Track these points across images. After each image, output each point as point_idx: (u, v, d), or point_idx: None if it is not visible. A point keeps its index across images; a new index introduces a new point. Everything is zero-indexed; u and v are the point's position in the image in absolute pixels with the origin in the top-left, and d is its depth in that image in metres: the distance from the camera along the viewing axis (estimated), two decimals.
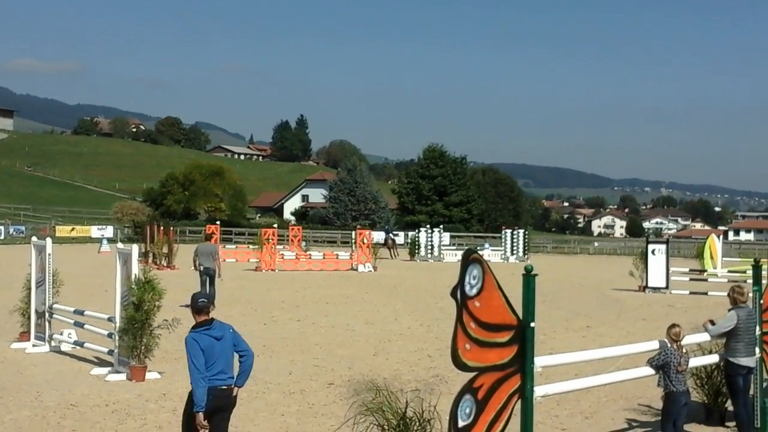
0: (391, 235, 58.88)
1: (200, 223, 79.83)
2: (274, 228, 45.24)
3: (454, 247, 58.77)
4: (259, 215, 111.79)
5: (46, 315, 16.66)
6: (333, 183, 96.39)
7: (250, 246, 50.06)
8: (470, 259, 7.23)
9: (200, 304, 8.38)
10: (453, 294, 7.14)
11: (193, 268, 26.25)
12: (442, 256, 52.94)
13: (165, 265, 40.47)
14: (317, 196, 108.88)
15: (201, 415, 8.02)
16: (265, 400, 12.72)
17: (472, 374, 7.06)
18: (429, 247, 53.13)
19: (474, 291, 7.14)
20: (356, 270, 41.23)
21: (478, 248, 46.83)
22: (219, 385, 8.18)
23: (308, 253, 46.41)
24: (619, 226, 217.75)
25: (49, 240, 16.89)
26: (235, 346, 8.40)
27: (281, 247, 48.67)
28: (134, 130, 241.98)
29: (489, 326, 7.21)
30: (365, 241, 42.92)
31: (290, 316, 23.19)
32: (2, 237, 71.13)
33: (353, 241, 47.71)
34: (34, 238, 17.94)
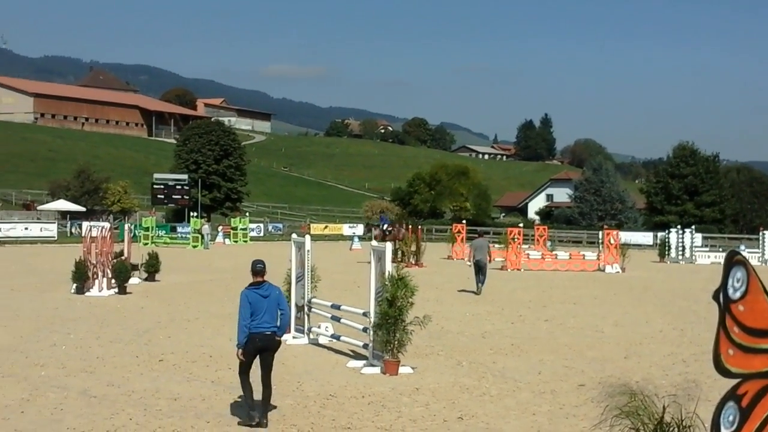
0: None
1: (446, 222, 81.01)
2: (520, 227, 45.18)
3: (707, 249, 56.38)
4: (503, 214, 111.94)
5: (305, 309, 17.51)
6: (578, 182, 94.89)
7: (495, 245, 50.24)
8: (734, 260, 6.95)
9: (257, 268, 11.04)
10: (715, 297, 6.90)
11: (467, 260, 31.19)
12: (694, 257, 50.93)
13: (413, 262, 41.35)
14: (562, 195, 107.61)
15: (239, 351, 10.77)
16: (516, 398, 12.78)
17: (734, 381, 6.80)
18: (680, 249, 51.26)
19: (737, 294, 6.86)
20: (603, 271, 40.44)
21: None
22: (263, 330, 10.74)
23: (554, 252, 46.00)
24: None
25: (308, 237, 17.73)
26: (279, 305, 10.95)
27: (526, 246, 48.54)
28: (382, 131, 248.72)
29: (754, 331, 6.91)
30: (612, 241, 42.02)
31: (538, 315, 23.10)
32: (261, 234, 75.20)
33: (600, 241, 46.81)
34: (294, 235, 18.87)
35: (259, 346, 10.79)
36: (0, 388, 12.69)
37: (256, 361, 11.00)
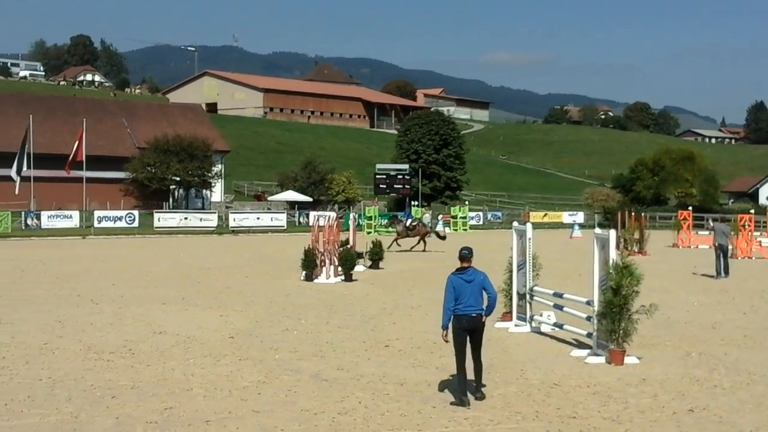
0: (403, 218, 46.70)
1: (670, 209, 78.34)
2: (750, 214, 43.08)
3: None
4: (731, 200, 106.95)
5: (527, 297, 17.47)
6: None
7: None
8: None
9: (462, 254, 11.74)
10: None
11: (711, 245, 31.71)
12: None
13: (636, 250, 40.29)
14: None
15: (444, 333, 11.49)
16: (750, 392, 12.26)
17: None
18: None
19: None
20: None
21: None
22: (469, 313, 11.39)
23: None
24: None
25: (529, 225, 17.67)
26: (484, 289, 11.54)
27: (758, 233, 46.20)
28: (603, 116, 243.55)
29: None
30: None
31: None
32: (481, 222, 75.47)
33: None
34: (515, 223, 18.80)
35: (465, 327, 11.46)
36: (238, 370, 13.43)
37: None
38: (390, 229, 52.04)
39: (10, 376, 12.71)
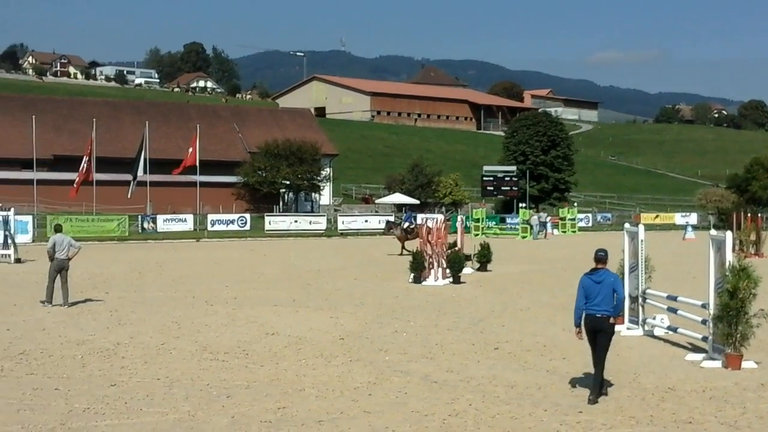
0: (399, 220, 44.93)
1: None
2: None
3: None
4: None
5: (640, 300, 17.17)
6: None
7: None
8: None
9: (597, 256, 11.93)
10: None
11: None
12: None
13: (753, 252, 39.15)
14: None
15: (576, 330, 11.98)
16: None
17: None
18: None
19: None
20: None
21: None
22: (595, 313, 11.66)
23: None
24: None
25: (641, 227, 17.38)
26: (615, 290, 11.72)
27: None
28: (716, 115, 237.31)
29: None
30: None
31: None
32: (590, 224, 74.47)
33: None
34: (626, 225, 18.54)
35: (590, 327, 11.80)
36: (349, 371, 13.58)
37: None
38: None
39: (130, 375, 13.13)
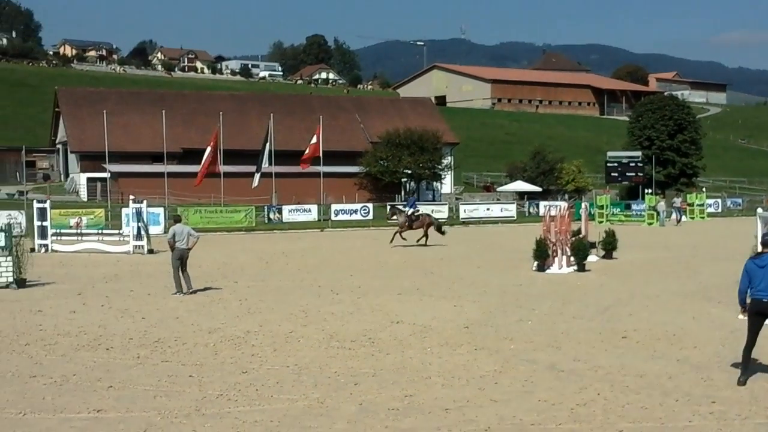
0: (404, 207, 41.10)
1: None
2: None
3: None
4: None
5: None
6: None
7: None
8: None
9: (764, 240, 11.90)
10: None
11: None
12: None
13: None
14: None
15: (741, 308, 12.04)
16: None
17: None
18: None
19: None
20: None
21: None
22: (761, 298, 11.56)
23: None
24: None
25: None
26: None
27: None
28: None
29: None
30: None
31: None
32: (719, 210, 72.33)
33: None
34: (759, 210, 17.99)
35: (755, 310, 11.78)
36: (474, 359, 13.59)
37: None
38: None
39: (260, 362, 13.44)
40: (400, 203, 52.01)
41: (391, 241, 36.86)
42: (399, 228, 37.66)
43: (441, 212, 61.74)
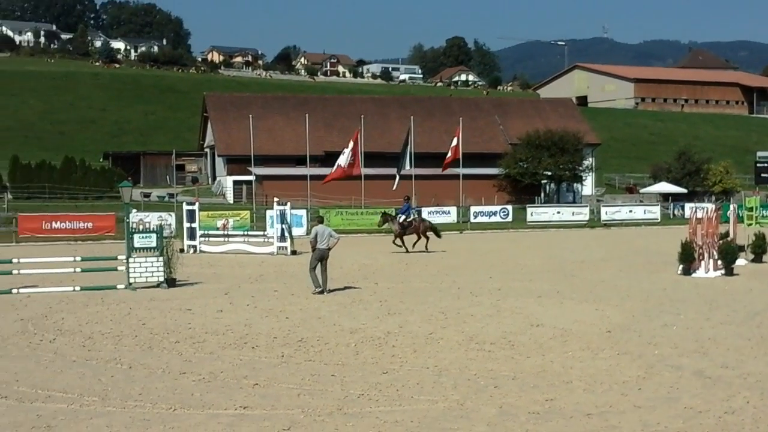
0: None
1: None
2: None
3: None
4: None
5: None
6: None
7: None
8: None
9: None
10: None
11: None
12: None
13: None
14: None
15: None
16: None
17: None
18: None
19: None
20: None
21: None
22: None
23: None
24: None
25: None
26: None
27: None
28: None
29: None
30: None
31: None
32: None
33: None
34: None
35: None
36: (617, 365, 13.36)
37: None
38: None
39: (400, 363, 13.58)
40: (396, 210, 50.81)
41: (393, 241, 36.34)
42: (394, 236, 36.83)
43: (582, 214, 60.75)
